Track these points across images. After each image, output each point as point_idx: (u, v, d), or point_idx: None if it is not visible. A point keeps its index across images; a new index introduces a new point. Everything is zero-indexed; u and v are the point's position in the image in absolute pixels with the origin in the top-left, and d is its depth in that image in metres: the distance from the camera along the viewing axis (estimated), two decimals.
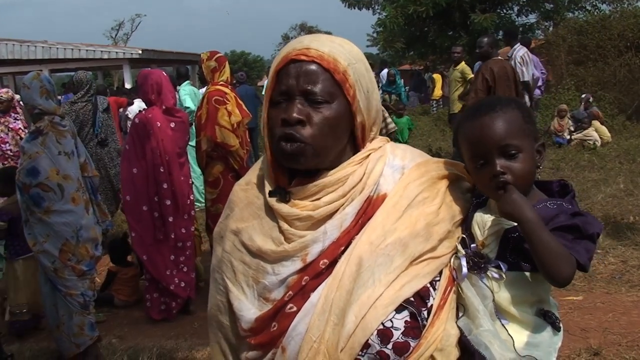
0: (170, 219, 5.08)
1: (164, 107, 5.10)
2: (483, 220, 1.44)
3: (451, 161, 1.55)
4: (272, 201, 1.45)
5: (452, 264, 1.43)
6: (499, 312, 1.39)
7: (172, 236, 5.12)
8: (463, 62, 9.98)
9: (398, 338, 1.33)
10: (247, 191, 1.56)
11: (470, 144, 1.45)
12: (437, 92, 18.43)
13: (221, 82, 5.48)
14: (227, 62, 5.64)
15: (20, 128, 7.65)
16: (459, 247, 1.44)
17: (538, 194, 1.46)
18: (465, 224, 1.47)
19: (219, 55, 5.62)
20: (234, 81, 11.68)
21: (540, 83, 11.06)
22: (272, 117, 1.41)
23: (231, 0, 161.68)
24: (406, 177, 1.45)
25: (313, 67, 1.37)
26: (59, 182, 4.01)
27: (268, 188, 1.47)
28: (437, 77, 18.66)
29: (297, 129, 1.36)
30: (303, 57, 1.37)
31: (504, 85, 6.94)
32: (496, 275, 1.39)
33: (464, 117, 1.51)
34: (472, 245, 1.42)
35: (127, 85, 17.68)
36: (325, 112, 1.37)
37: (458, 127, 1.52)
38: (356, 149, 1.48)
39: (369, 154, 1.47)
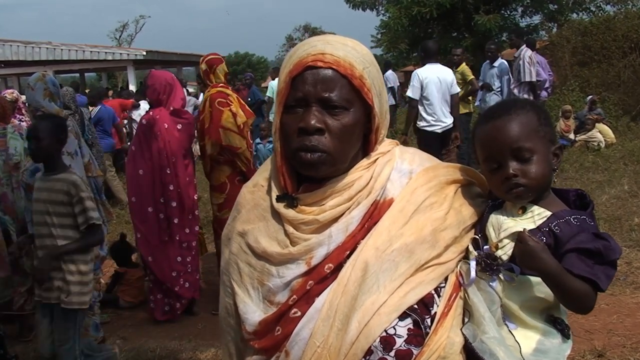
0: (176, 221, 5.08)
1: (171, 109, 5.09)
2: (498, 222, 1.43)
3: (461, 166, 1.54)
4: (280, 206, 1.44)
5: (459, 268, 1.42)
6: (508, 317, 1.38)
7: (177, 237, 5.11)
8: (464, 64, 9.97)
9: (401, 346, 1.33)
10: (254, 193, 1.55)
11: (484, 146, 1.45)
12: None
13: (220, 84, 5.41)
14: (220, 63, 5.47)
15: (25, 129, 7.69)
16: (471, 248, 1.43)
17: (557, 203, 1.44)
18: (480, 225, 1.46)
19: (209, 57, 5.52)
20: (242, 83, 11.67)
21: (547, 85, 11.05)
22: (286, 123, 1.39)
23: (234, 1, 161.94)
24: (413, 182, 1.45)
25: (330, 73, 1.36)
26: None
27: (275, 193, 1.47)
28: None
29: (316, 138, 1.35)
30: (320, 64, 1.35)
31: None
32: (508, 278, 1.38)
33: (479, 120, 1.51)
34: (485, 247, 1.41)
35: (131, 87, 17.71)
36: (343, 120, 1.36)
37: (473, 130, 1.51)
38: (365, 152, 1.47)
39: (377, 158, 1.46)
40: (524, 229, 1.36)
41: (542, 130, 1.42)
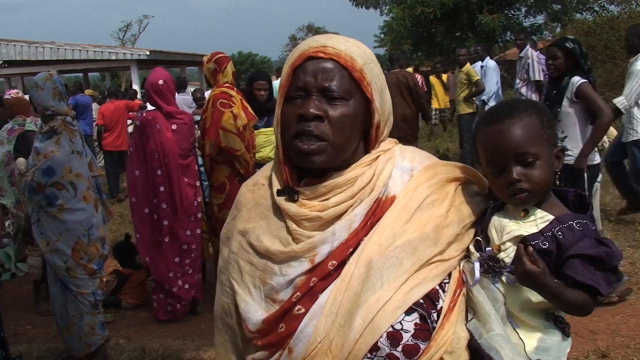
0: (166, 223, 5.07)
1: (164, 111, 5.07)
2: (501, 224, 1.42)
3: (460, 164, 1.54)
4: (280, 200, 1.44)
5: (462, 267, 1.42)
6: (509, 317, 1.38)
7: (166, 239, 5.09)
8: (468, 64, 9.98)
9: (408, 340, 1.32)
10: (254, 192, 1.55)
11: (487, 150, 1.43)
12: (438, 100, 14.78)
13: (226, 84, 5.39)
14: (229, 63, 5.47)
15: None
16: (473, 249, 1.42)
17: (559, 205, 1.43)
18: (481, 226, 1.45)
19: (218, 56, 5.48)
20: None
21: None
22: (286, 113, 1.40)
23: (237, 1, 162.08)
24: (415, 179, 1.45)
25: (330, 64, 1.37)
26: (71, 180, 4.04)
27: (277, 187, 1.47)
28: (434, 80, 15.02)
29: (315, 124, 1.36)
30: (321, 54, 1.37)
31: (392, 92, 8.92)
32: (510, 281, 1.37)
33: (482, 121, 1.48)
34: (488, 249, 1.40)
35: (135, 87, 17.74)
36: (343, 109, 1.37)
37: (475, 131, 1.50)
38: (366, 150, 1.47)
39: (378, 156, 1.46)
40: (523, 244, 1.35)
41: (545, 133, 1.40)
